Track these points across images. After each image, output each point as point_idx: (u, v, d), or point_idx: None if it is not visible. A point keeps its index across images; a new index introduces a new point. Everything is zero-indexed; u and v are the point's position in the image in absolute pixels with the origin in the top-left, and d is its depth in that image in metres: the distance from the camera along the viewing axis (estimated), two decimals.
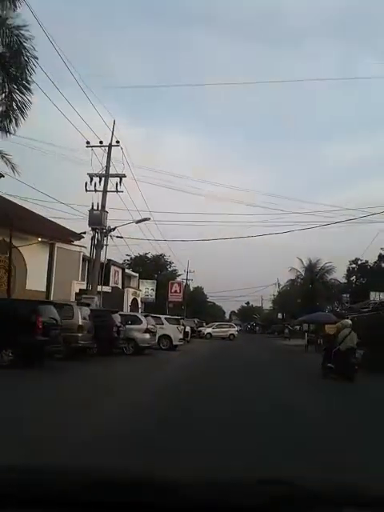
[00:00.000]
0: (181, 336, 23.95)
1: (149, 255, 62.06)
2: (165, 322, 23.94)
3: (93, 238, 23.99)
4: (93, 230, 23.75)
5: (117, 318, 18.32)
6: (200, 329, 41.98)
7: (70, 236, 26.97)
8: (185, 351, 23.60)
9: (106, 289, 39.20)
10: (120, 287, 41.18)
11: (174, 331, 23.70)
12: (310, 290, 48.82)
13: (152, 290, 45.40)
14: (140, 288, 43.57)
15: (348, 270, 50.61)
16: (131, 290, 39.02)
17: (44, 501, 1.33)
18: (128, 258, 59.64)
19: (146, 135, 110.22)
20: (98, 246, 23.96)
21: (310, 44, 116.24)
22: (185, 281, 69.34)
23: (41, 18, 23.30)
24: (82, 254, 34.93)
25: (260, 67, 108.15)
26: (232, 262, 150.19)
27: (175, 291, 58.84)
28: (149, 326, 19.56)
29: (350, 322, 13.93)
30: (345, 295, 51.01)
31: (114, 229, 24.33)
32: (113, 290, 39.47)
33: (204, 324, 54.38)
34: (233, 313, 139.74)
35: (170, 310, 57.92)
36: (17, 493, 1.35)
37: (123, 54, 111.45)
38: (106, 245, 24.53)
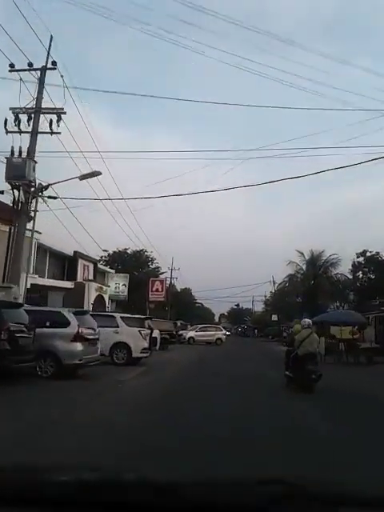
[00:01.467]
0: (145, 344, 15.92)
1: (129, 251, 54.03)
2: (121, 323, 15.89)
3: (14, 200, 15.86)
4: (13, 187, 15.64)
5: (18, 315, 10.25)
6: (181, 332, 33.88)
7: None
8: (150, 366, 15.63)
9: (68, 285, 31.45)
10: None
11: (134, 337, 15.69)
12: (311, 286, 41.13)
13: (124, 285, 37.12)
14: (109, 283, 35.38)
15: (354, 265, 42.74)
16: (95, 285, 30.87)
17: (41, 501, 1.29)
18: (106, 253, 51.96)
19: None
20: (21, 210, 15.85)
21: (300, 45, 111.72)
22: (169, 279, 61.80)
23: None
24: (35, 241, 27.15)
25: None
26: (222, 262, 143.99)
27: (157, 290, 50.92)
28: (83, 331, 11.53)
29: (310, 321, 11.85)
30: (348, 292, 43.49)
31: (46, 187, 16.27)
32: (76, 285, 31.45)
33: (189, 327, 46.87)
34: (222, 315, 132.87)
35: (150, 310, 50.25)
36: (13, 492, 1.32)
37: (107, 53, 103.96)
38: (36, 210, 16.45)
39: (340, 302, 41.12)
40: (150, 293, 50.12)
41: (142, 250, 53.75)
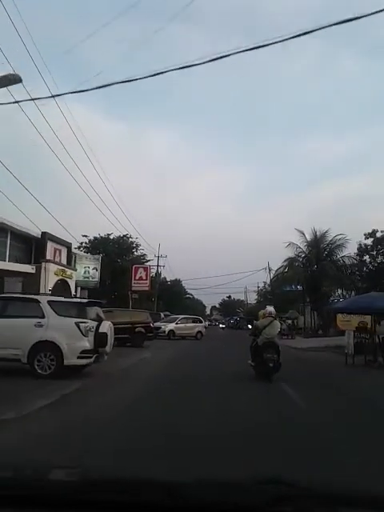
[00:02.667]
0: (86, 344, 9.75)
1: (112, 236, 47.82)
2: (48, 311, 9.72)
3: None
4: None
5: None
6: (160, 325, 27.58)
7: None
8: (91, 381, 9.56)
9: (28, 269, 25.42)
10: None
11: (67, 333, 9.54)
12: (314, 271, 35.16)
13: (95, 269, 30.64)
14: (75, 266, 29.08)
15: (360, 248, 36.64)
16: (54, 268, 24.69)
17: (42, 501, 1.27)
18: (86, 239, 45.96)
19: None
20: None
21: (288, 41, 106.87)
22: (155, 267, 56.00)
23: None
24: None
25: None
26: (214, 253, 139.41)
27: (140, 278, 44.88)
28: None
29: (272, 310, 11.59)
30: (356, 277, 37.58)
31: None
32: (38, 269, 25.42)
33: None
34: (214, 308, 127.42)
35: (134, 301, 44.46)
36: (15, 492, 1.31)
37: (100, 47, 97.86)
38: None
39: (347, 289, 35.22)
40: (133, 281, 44.11)
41: (125, 235, 47.64)
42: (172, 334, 27.45)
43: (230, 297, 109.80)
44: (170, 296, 68.28)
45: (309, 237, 35.47)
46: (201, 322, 32.20)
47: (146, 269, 45.45)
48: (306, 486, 1.38)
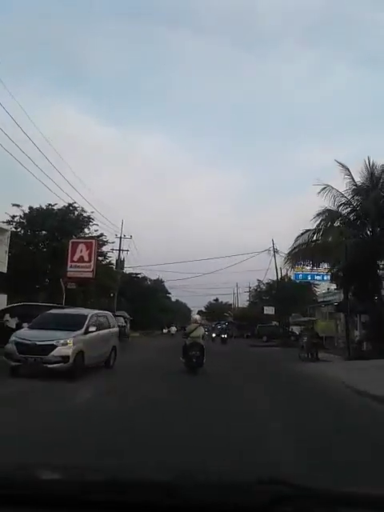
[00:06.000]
0: None
1: (56, 207, 30.80)
2: None
3: None
4: None
5: None
6: (52, 342, 8.82)
7: None
8: None
9: None
10: None
11: None
12: (368, 237, 18.38)
13: None
14: None
15: None
16: None
17: (42, 501, 1.24)
18: (20, 210, 29.46)
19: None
20: None
21: (286, 46, 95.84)
22: (119, 251, 39.18)
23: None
24: None
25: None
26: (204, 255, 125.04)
27: (80, 259, 27.74)
28: None
29: (198, 317, 14.27)
30: None
31: None
32: None
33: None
34: (200, 312, 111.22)
35: (70, 294, 27.65)
36: (14, 492, 1.27)
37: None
38: None
39: None
40: (70, 264, 27.03)
41: (71, 205, 30.61)
42: (80, 362, 9.22)
43: (217, 300, 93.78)
44: (142, 293, 51.22)
45: (359, 176, 18.58)
46: (114, 326, 13.70)
47: (88, 245, 28.00)
48: (305, 486, 1.31)
